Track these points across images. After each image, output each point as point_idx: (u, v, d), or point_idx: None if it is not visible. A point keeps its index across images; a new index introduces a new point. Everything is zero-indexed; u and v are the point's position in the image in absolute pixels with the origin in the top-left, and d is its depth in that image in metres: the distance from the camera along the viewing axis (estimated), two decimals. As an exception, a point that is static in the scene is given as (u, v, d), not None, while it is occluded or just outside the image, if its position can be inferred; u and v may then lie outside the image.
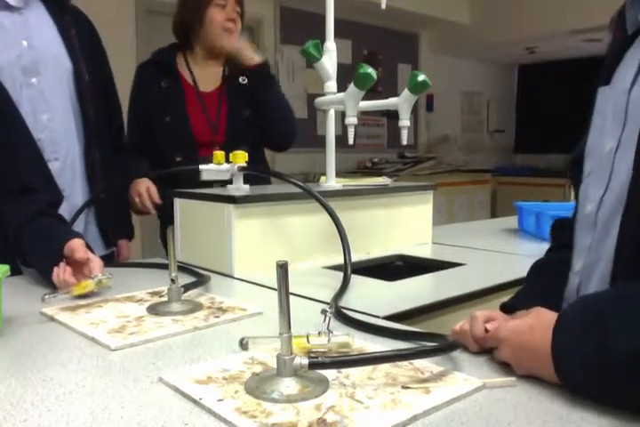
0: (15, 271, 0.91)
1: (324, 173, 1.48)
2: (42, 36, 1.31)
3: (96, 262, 1.03)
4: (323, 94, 1.41)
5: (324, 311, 0.77)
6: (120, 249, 1.63)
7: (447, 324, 0.84)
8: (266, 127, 1.76)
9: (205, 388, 0.61)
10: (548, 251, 0.95)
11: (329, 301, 0.96)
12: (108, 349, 0.75)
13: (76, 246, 1.02)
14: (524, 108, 6.63)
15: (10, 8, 1.27)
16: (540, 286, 0.86)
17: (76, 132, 1.38)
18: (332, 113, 1.45)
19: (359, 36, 4.64)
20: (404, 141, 1.38)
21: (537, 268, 0.91)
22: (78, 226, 1.38)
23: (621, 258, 0.66)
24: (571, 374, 0.59)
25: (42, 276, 1.08)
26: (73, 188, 1.39)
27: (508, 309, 0.81)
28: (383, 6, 1.39)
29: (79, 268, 1.03)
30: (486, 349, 0.72)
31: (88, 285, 0.96)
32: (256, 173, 1.43)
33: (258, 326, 0.86)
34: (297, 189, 1.20)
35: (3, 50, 1.24)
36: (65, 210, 1.32)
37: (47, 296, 0.89)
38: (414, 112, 4.73)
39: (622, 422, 0.55)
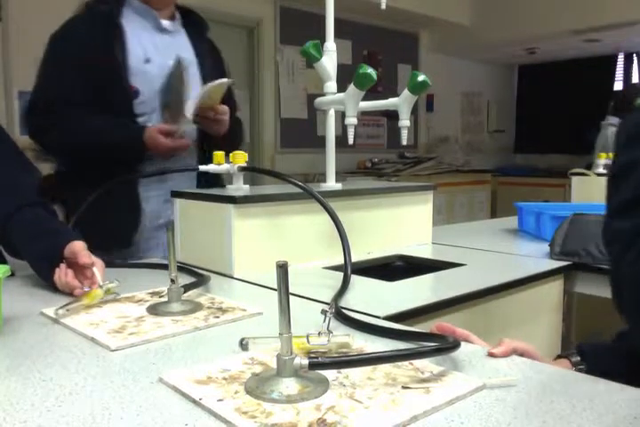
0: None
1: (324, 174, 1.48)
2: (183, 56, 1.59)
3: (99, 266, 1.01)
4: (323, 94, 1.41)
5: (323, 311, 0.77)
6: None
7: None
8: None
9: (205, 388, 0.61)
10: None
11: (329, 301, 0.96)
12: (107, 349, 0.75)
13: (78, 250, 1.00)
14: (524, 108, 6.63)
15: (163, 30, 1.59)
16: (618, 358, 0.82)
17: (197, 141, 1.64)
18: (331, 113, 1.45)
19: (359, 36, 4.65)
20: (404, 142, 1.38)
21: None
22: None
23: None
24: None
25: (38, 275, 1.07)
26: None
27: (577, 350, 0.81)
28: (383, 6, 1.39)
29: (80, 269, 1.01)
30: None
31: (98, 294, 0.95)
32: (256, 172, 1.43)
33: (258, 326, 0.86)
34: (297, 189, 1.20)
35: (154, 62, 1.54)
36: None
37: (60, 310, 0.88)
38: (414, 112, 4.73)
39: (624, 423, 0.55)
